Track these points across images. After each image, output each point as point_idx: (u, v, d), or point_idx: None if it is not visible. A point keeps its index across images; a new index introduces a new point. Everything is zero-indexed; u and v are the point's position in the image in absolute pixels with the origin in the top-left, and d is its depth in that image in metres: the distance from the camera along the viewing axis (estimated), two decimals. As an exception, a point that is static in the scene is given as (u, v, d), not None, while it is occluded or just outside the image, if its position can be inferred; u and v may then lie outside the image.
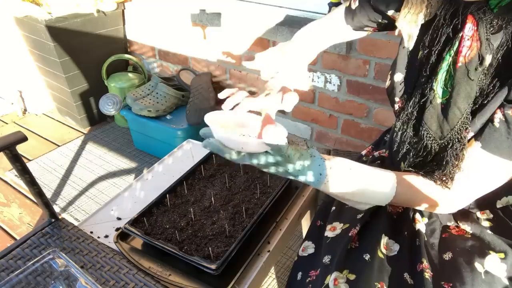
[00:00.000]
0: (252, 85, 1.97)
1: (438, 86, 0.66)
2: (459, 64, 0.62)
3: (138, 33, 2.33)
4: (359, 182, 0.69)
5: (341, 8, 0.89)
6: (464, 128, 0.62)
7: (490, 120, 0.60)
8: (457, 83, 0.62)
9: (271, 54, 0.87)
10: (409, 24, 0.70)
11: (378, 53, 1.51)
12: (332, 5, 1.62)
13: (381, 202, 0.71)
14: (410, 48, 0.72)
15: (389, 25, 0.82)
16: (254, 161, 0.65)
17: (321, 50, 0.93)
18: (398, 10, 0.74)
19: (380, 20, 0.82)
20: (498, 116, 0.59)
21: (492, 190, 0.66)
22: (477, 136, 0.62)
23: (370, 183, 0.69)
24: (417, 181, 0.70)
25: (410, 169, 0.73)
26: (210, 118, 0.67)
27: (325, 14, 1.67)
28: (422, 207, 0.73)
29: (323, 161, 0.66)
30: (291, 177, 0.67)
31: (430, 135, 0.67)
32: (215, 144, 0.64)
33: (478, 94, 0.61)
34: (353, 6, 0.85)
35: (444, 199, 0.69)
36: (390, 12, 0.77)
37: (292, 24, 1.71)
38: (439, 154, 0.67)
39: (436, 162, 0.68)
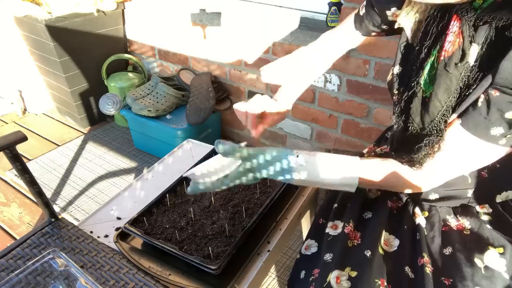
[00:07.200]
0: (252, 85, 1.97)
1: (423, 80, 0.67)
2: (441, 59, 0.64)
3: (138, 33, 2.33)
4: (324, 164, 0.70)
5: (352, 15, 0.93)
6: (444, 120, 0.65)
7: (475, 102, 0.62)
8: (438, 76, 0.65)
9: (282, 65, 0.90)
10: (411, 20, 0.71)
11: (378, 52, 1.51)
12: (332, 5, 1.62)
13: (350, 184, 0.70)
14: (414, 43, 0.73)
15: (391, 29, 0.85)
16: (231, 182, 0.70)
17: (336, 59, 0.95)
18: (399, 7, 0.76)
19: (383, 26, 0.85)
20: (482, 97, 0.60)
21: (469, 171, 0.67)
22: (460, 115, 0.64)
23: (334, 163, 0.71)
24: (386, 162, 0.71)
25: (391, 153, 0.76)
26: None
27: (325, 14, 1.68)
28: (395, 187, 0.74)
29: (290, 151, 0.70)
30: (269, 177, 0.71)
31: (414, 127, 0.70)
32: (194, 187, 0.72)
33: (463, 87, 0.62)
34: (361, 13, 0.88)
35: (416, 177, 0.69)
36: (393, 10, 0.79)
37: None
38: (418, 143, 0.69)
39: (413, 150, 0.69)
